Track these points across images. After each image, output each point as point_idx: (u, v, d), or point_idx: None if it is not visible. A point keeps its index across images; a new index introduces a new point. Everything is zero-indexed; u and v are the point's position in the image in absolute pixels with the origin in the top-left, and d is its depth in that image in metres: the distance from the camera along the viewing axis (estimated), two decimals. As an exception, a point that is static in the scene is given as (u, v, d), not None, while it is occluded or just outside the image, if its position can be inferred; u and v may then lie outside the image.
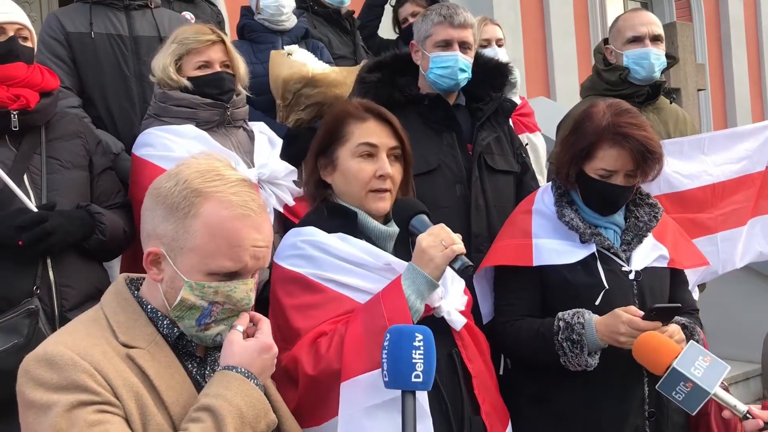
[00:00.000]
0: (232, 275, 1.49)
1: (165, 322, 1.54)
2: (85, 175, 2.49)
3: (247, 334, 1.54)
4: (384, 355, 1.60)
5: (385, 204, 2.07)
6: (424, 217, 2.03)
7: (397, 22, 4.70)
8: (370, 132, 2.06)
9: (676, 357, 1.76)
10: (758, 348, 3.91)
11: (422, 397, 1.81)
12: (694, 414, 1.77)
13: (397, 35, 4.74)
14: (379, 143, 2.06)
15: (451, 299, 2.05)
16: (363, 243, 2.00)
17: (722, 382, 1.80)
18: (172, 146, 2.56)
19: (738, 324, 4.73)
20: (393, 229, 2.08)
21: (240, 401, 1.41)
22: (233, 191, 1.50)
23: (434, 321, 1.96)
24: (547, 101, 8.05)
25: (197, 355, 1.58)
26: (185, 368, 1.52)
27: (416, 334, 1.60)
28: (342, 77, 3.21)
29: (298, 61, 3.35)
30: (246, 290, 1.50)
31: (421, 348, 1.57)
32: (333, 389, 1.81)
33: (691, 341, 1.84)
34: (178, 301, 1.47)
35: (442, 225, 1.98)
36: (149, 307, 1.54)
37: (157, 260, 1.50)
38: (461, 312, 2.07)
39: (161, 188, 1.50)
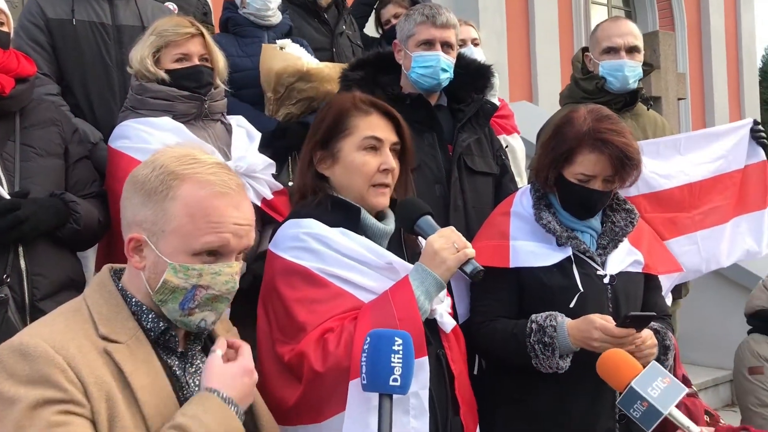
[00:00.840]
0: (215, 255, 1.48)
1: (150, 316, 1.52)
2: (60, 163, 2.46)
3: (227, 358, 1.53)
4: (363, 358, 1.60)
5: (385, 199, 2.07)
6: (430, 218, 2.01)
7: (379, 23, 4.69)
8: (375, 126, 2.05)
9: (636, 376, 1.81)
10: (728, 354, 3.94)
11: (424, 395, 1.83)
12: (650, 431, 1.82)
13: (380, 36, 4.73)
14: (383, 137, 2.05)
15: (444, 302, 2.06)
16: (365, 240, 1.99)
17: (693, 388, 1.84)
18: (149, 138, 2.54)
19: (708, 331, 4.78)
20: (389, 227, 2.07)
21: (216, 428, 1.40)
22: (210, 172, 1.50)
23: (425, 322, 1.95)
24: (529, 105, 8.10)
25: (179, 350, 1.56)
26: (165, 366, 1.50)
27: (396, 338, 1.60)
28: (335, 73, 3.20)
29: (292, 55, 3.35)
30: (231, 273, 1.49)
31: (400, 352, 1.58)
32: (339, 386, 1.80)
33: (653, 362, 1.87)
34: (161, 284, 1.46)
35: (452, 228, 1.98)
36: (134, 300, 1.52)
37: (138, 247, 1.49)
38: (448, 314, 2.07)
39: (138, 176, 1.50)
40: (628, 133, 2.34)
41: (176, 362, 1.55)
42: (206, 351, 1.62)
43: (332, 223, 1.97)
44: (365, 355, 1.60)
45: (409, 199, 2.12)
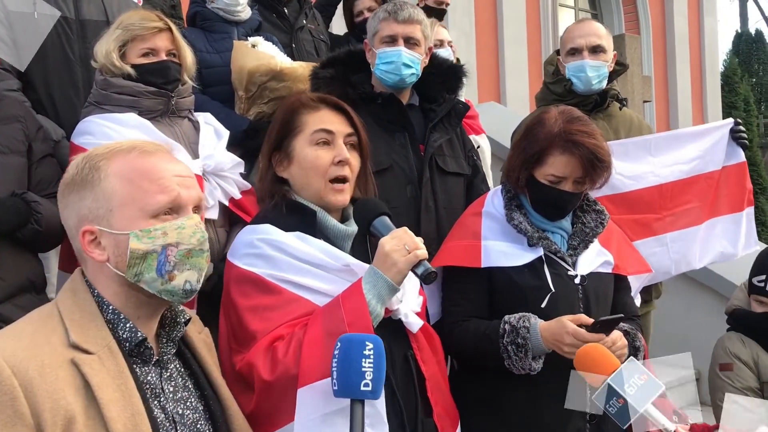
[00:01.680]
0: (172, 212, 1.46)
1: (128, 326, 1.46)
2: (23, 161, 2.38)
3: None
4: (334, 364, 1.57)
5: (344, 197, 2.03)
6: (387, 219, 1.97)
7: (350, 16, 4.65)
8: (325, 119, 2.02)
9: (613, 372, 1.80)
10: (695, 354, 4.03)
11: (380, 404, 1.78)
12: (624, 428, 1.81)
13: (350, 30, 4.70)
14: (334, 129, 2.02)
15: (408, 301, 2.02)
16: (321, 243, 1.94)
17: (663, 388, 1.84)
18: (113, 135, 2.46)
19: (675, 330, 4.84)
20: (351, 228, 2.03)
21: None
22: (130, 143, 1.51)
23: (390, 323, 1.93)
24: (498, 106, 8.14)
25: (154, 358, 1.51)
26: (137, 378, 1.43)
27: (367, 343, 1.58)
28: (309, 72, 3.17)
29: (266, 53, 3.30)
30: (194, 224, 1.47)
31: (372, 357, 1.56)
32: (289, 395, 1.75)
33: (631, 358, 1.88)
34: (129, 256, 1.41)
35: (405, 229, 1.94)
36: (110, 308, 1.46)
37: (94, 239, 1.45)
38: (417, 313, 2.04)
39: (67, 177, 1.50)
40: (599, 135, 2.34)
41: (152, 368, 1.50)
42: (181, 355, 1.58)
43: (289, 227, 1.94)
44: (336, 360, 1.57)
45: (366, 199, 2.09)
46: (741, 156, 3.36)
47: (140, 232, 1.42)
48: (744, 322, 2.77)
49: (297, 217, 1.98)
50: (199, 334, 1.71)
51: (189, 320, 1.62)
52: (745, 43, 23.61)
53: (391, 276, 1.86)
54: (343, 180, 2.01)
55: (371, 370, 1.55)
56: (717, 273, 4.81)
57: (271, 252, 1.89)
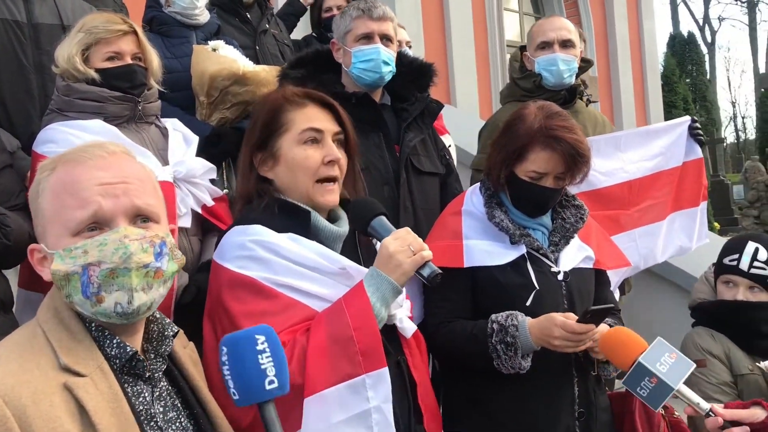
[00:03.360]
0: (98, 227, 1.34)
1: (115, 341, 1.36)
2: None
3: None
4: (225, 372, 1.41)
5: (334, 197, 1.96)
6: (385, 219, 1.91)
7: (318, 12, 4.59)
8: (313, 117, 1.94)
9: (643, 352, 1.77)
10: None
11: (387, 408, 1.72)
12: (657, 411, 1.79)
13: (310, 32, 4.65)
14: (323, 128, 1.94)
15: (404, 305, 1.97)
16: (316, 245, 1.87)
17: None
18: (77, 143, 2.27)
19: (639, 324, 4.91)
20: (343, 229, 1.97)
21: None
22: (80, 148, 1.40)
23: (383, 328, 1.86)
24: (451, 108, 8.17)
25: (146, 375, 1.42)
26: (130, 401, 1.34)
27: (256, 337, 1.41)
28: (272, 76, 3.10)
29: (227, 57, 3.22)
30: (118, 239, 1.32)
31: (267, 350, 1.40)
32: (294, 405, 1.67)
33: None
34: (53, 276, 1.32)
35: (408, 229, 1.89)
36: (93, 324, 1.36)
37: (42, 257, 1.37)
38: (408, 318, 1.99)
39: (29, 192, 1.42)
40: (579, 130, 2.34)
41: (143, 386, 1.41)
42: (168, 372, 1.49)
43: (281, 228, 1.85)
44: (226, 367, 1.40)
45: (362, 199, 2.03)
46: (698, 152, 3.46)
47: (63, 252, 1.32)
48: (713, 314, 2.77)
49: (290, 217, 1.89)
50: (184, 349, 1.62)
51: (177, 333, 1.53)
52: (679, 45, 24.45)
53: (395, 278, 1.81)
54: (332, 180, 1.95)
55: (271, 364, 1.39)
56: (676, 265, 4.90)
57: (264, 254, 1.80)
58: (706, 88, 24.65)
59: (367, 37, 2.71)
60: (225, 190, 3.24)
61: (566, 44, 3.28)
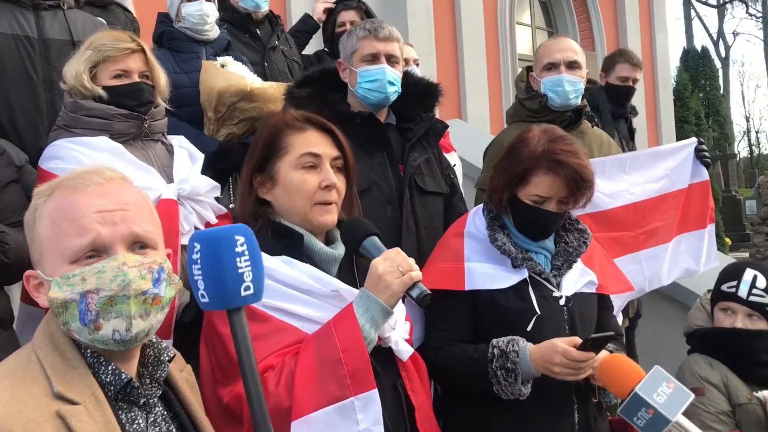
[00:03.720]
0: (96, 255, 1.33)
1: (110, 368, 1.36)
2: None
3: None
4: (196, 272, 1.27)
5: (332, 217, 1.96)
6: (377, 239, 1.91)
7: (332, 27, 4.60)
8: (312, 142, 1.95)
9: (640, 381, 1.75)
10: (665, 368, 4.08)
11: (377, 431, 1.72)
12: None
13: (323, 47, 4.66)
14: (321, 153, 1.95)
15: (398, 327, 1.96)
16: (309, 267, 1.87)
17: None
18: (84, 159, 2.37)
19: (645, 345, 4.88)
20: (338, 251, 1.97)
21: None
22: (77, 174, 1.40)
23: (379, 351, 1.87)
24: (461, 123, 8.18)
25: (141, 401, 1.41)
26: (123, 428, 1.34)
27: (236, 237, 1.27)
28: (279, 93, 3.12)
29: (235, 74, 3.24)
30: (116, 266, 1.31)
31: (246, 252, 1.27)
32: (283, 428, 1.67)
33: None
34: (50, 303, 1.31)
35: (398, 249, 1.88)
36: (89, 350, 1.36)
37: (38, 283, 1.37)
38: (406, 340, 1.98)
39: (24, 218, 1.41)
40: (583, 154, 2.34)
41: (138, 413, 1.40)
42: (164, 396, 1.49)
43: (274, 251, 1.85)
44: (197, 266, 1.26)
45: (353, 219, 2.02)
46: (705, 174, 3.45)
47: (60, 279, 1.31)
48: (710, 342, 2.73)
49: (283, 240, 1.90)
50: (181, 372, 1.61)
51: (173, 358, 1.53)
52: (692, 59, 24.36)
53: (384, 299, 1.80)
54: (329, 204, 1.96)
55: (249, 269, 1.27)
56: (684, 286, 4.87)
57: None
58: (719, 103, 24.55)
59: (373, 58, 2.72)
60: (231, 205, 3.26)
61: (572, 65, 3.28)
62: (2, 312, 2.26)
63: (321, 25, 4.79)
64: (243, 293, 1.26)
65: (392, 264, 1.82)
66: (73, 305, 1.31)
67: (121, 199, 1.39)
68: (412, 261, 1.86)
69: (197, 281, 1.27)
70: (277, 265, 1.83)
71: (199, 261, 1.26)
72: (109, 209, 1.35)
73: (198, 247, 1.27)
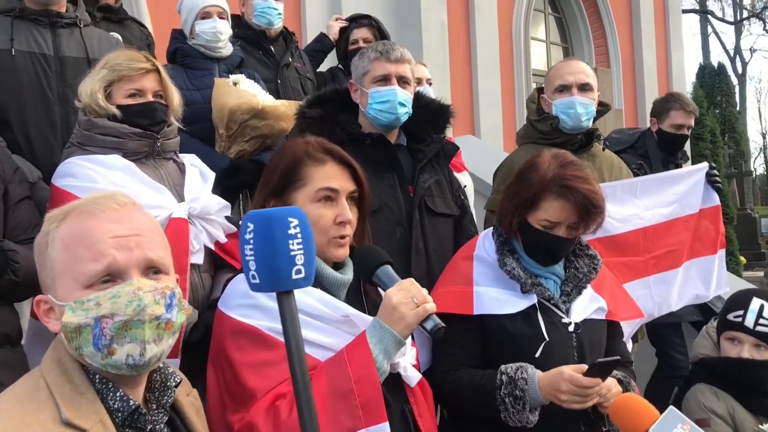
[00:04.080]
0: (111, 280, 1.34)
1: (118, 394, 1.36)
2: None
3: None
4: (249, 252, 1.26)
5: (345, 251, 1.97)
6: (389, 268, 1.90)
7: (345, 44, 4.62)
8: (330, 176, 1.95)
9: (654, 422, 1.73)
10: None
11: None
12: None
13: (337, 64, 4.68)
14: (339, 188, 1.95)
15: (406, 353, 1.95)
16: (319, 293, 1.87)
17: None
18: (96, 177, 2.39)
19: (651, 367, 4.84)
20: (347, 276, 1.97)
21: None
22: (91, 200, 1.40)
23: (388, 376, 1.85)
24: (474, 139, 8.18)
25: (147, 428, 1.41)
26: None
27: (290, 219, 1.26)
28: (291, 111, 3.15)
29: (247, 92, 3.27)
30: (131, 291, 1.32)
31: (299, 236, 1.26)
32: None
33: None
34: (63, 329, 1.31)
35: (412, 280, 1.87)
36: (97, 377, 1.37)
37: (49, 308, 1.37)
38: (413, 366, 1.98)
39: (35, 240, 1.42)
40: (593, 180, 2.33)
41: None
42: (171, 423, 1.49)
43: None
44: (249, 247, 1.26)
45: (367, 248, 2.01)
46: (716, 199, 3.43)
47: (74, 304, 1.31)
48: (716, 371, 2.70)
49: None
50: (187, 397, 1.61)
51: (180, 383, 1.54)
52: (708, 76, 24.22)
53: (398, 330, 1.79)
54: (343, 238, 1.96)
55: (301, 252, 1.25)
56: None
57: (267, 302, 1.80)
58: (735, 120, 24.38)
59: (385, 79, 2.73)
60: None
61: (584, 88, 3.27)
62: (12, 330, 2.26)
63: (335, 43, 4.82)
64: (294, 276, 1.25)
65: (407, 295, 1.82)
66: (87, 330, 1.31)
67: (136, 224, 1.40)
68: (425, 292, 1.85)
69: (248, 262, 1.26)
70: None
71: (251, 241, 1.25)
72: (124, 234, 1.37)
73: (251, 227, 1.25)
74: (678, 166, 4.58)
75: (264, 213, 1.28)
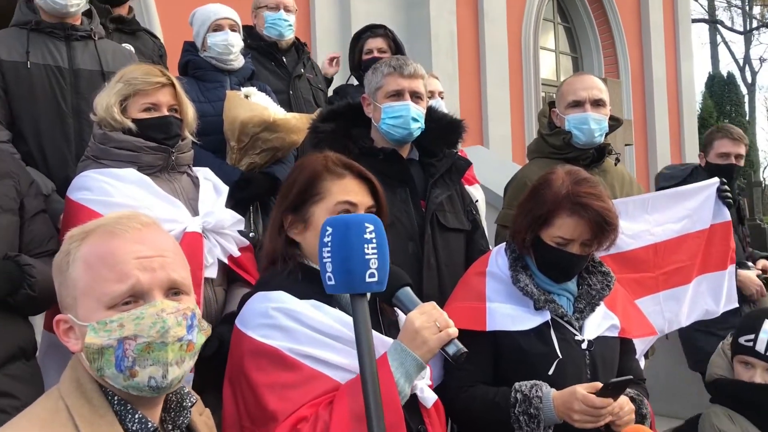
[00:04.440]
0: (134, 300, 1.34)
1: (137, 416, 1.36)
2: (14, 219, 2.28)
3: None
4: (327, 254, 1.34)
5: None
6: (410, 290, 1.88)
7: (359, 53, 4.60)
8: (349, 190, 1.95)
9: None
10: (687, 404, 3.99)
11: None
12: None
13: (357, 70, 4.67)
14: (358, 202, 1.95)
15: (424, 375, 1.94)
16: (338, 313, 1.86)
17: None
18: (111, 191, 2.41)
19: (663, 380, 4.81)
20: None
21: None
22: (114, 220, 1.40)
23: None
24: (483, 150, 8.18)
25: None
26: None
27: (366, 225, 1.34)
28: (303, 124, 3.16)
29: (259, 104, 3.28)
30: (155, 312, 1.32)
31: (374, 241, 1.33)
32: None
33: None
34: (85, 350, 1.31)
35: (434, 304, 1.86)
36: (116, 398, 1.36)
37: (68, 328, 1.36)
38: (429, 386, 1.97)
39: (54, 259, 1.41)
40: (607, 197, 2.33)
41: None
42: None
43: (303, 295, 1.84)
44: (327, 249, 1.34)
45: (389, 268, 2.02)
46: (727, 215, 3.41)
47: (97, 325, 1.31)
48: (731, 394, 2.67)
49: (313, 284, 1.86)
50: (200, 416, 1.60)
51: (195, 403, 1.53)
52: (717, 85, 24.17)
53: (420, 354, 1.78)
54: None
55: (375, 257, 1.32)
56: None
57: (287, 322, 1.80)
58: (744, 130, 24.30)
59: (398, 94, 2.74)
60: (252, 234, 3.28)
61: (598, 103, 3.27)
62: (26, 342, 2.27)
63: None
64: (368, 279, 1.32)
65: (429, 319, 1.80)
66: (110, 351, 1.31)
67: (159, 245, 1.40)
68: (446, 316, 1.84)
69: (326, 263, 1.35)
70: (307, 309, 1.82)
71: (329, 244, 1.34)
72: (148, 255, 1.36)
73: (330, 230, 1.36)
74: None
75: (342, 218, 1.39)
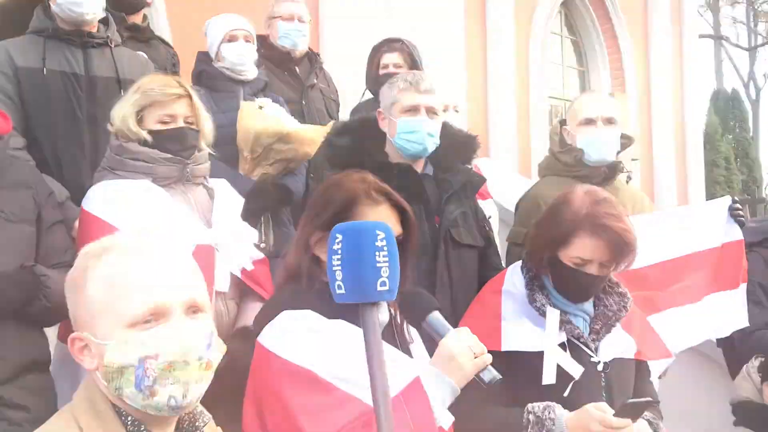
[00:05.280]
0: (155, 319, 1.32)
1: None
2: (31, 230, 2.26)
3: None
4: (337, 262, 1.31)
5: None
6: (439, 315, 1.88)
7: (376, 67, 4.56)
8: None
9: None
10: (699, 427, 3.96)
11: None
12: None
13: (368, 87, 4.64)
14: None
15: None
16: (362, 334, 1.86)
17: None
18: (125, 203, 2.39)
19: (677, 403, 4.78)
20: (384, 317, 1.96)
21: None
22: (132, 238, 1.40)
23: None
24: (490, 161, 8.16)
25: None
26: None
27: (377, 232, 1.30)
28: (316, 136, 3.16)
29: (272, 116, 3.28)
30: (176, 331, 1.31)
31: (385, 248, 1.30)
32: None
33: None
34: (105, 368, 1.29)
35: (467, 329, 1.87)
36: (129, 418, 1.35)
37: (84, 346, 1.35)
38: None
39: (68, 275, 1.40)
40: (625, 218, 2.31)
41: None
42: None
43: (331, 315, 1.81)
44: (337, 257, 1.30)
45: (417, 292, 1.98)
46: (739, 234, 3.38)
47: (116, 344, 1.30)
48: (758, 418, 2.65)
49: (340, 304, 1.88)
50: None
51: (207, 423, 1.51)
52: (722, 101, 24.17)
53: (456, 380, 1.79)
54: None
55: (386, 265, 1.29)
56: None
57: (319, 343, 1.77)
58: (749, 145, 24.27)
59: (413, 109, 2.73)
60: (262, 244, 3.27)
61: (610, 121, 3.26)
62: (39, 353, 2.25)
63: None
64: (379, 287, 1.28)
65: (463, 345, 1.81)
66: (130, 370, 1.29)
67: (179, 264, 1.39)
68: (482, 343, 1.85)
69: (335, 272, 1.31)
70: (337, 330, 1.79)
71: (339, 251, 1.30)
72: (168, 274, 1.36)
73: (339, 237, 1.31)
74: None
75: (353, 224, 1.36)
